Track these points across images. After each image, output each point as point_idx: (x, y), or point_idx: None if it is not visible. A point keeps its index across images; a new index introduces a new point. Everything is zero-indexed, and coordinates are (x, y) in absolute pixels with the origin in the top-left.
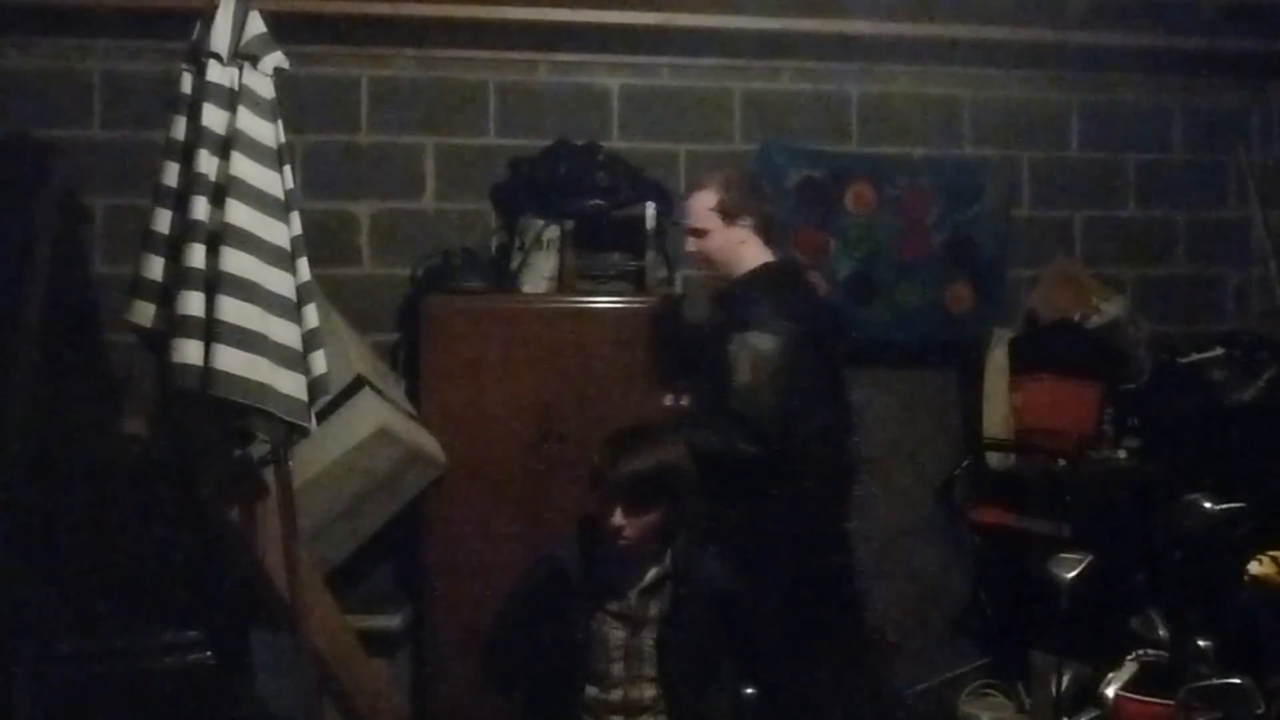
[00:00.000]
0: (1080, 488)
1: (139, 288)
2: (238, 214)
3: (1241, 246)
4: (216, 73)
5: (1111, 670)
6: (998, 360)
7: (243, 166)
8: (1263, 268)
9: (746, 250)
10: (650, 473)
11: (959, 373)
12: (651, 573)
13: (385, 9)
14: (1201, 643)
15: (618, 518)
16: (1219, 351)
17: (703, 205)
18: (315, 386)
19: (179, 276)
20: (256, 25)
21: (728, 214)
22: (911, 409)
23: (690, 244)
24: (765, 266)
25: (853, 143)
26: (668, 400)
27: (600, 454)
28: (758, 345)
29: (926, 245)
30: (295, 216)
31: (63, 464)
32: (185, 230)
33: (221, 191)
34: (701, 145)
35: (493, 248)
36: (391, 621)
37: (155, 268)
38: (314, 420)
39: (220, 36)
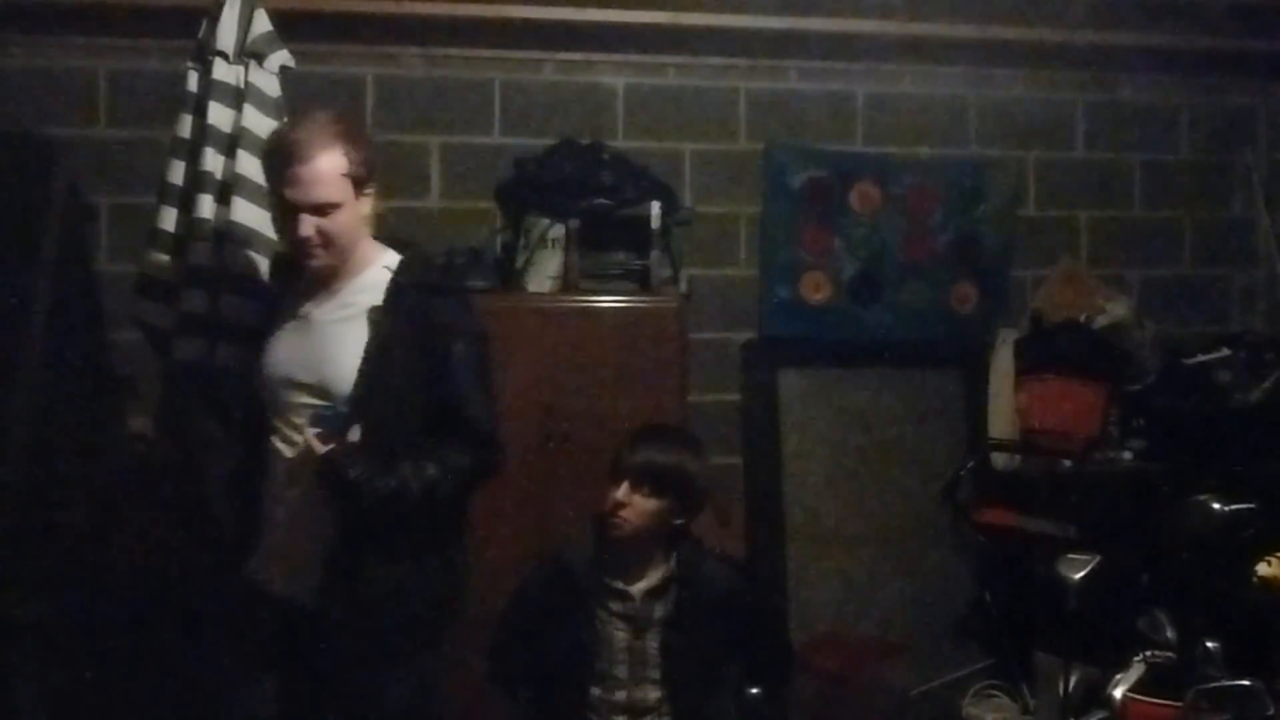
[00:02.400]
0: (1085, 488)
1: (144, 285)
2: (243, 212)
3: (1248, 247)
4: (222, 71)
5: (1118, 672)
6: (1003, 360)
7: (248, 164)
8: (1269, 268)
9: (363, 231)
10: (667, 468)
11: (964, 373)
12: (657, 575)
13: (391, 7)
14: (1209, 644)
15: (622, 493)
16: (1225, 352)
17: (332, 170)
18: None
19: (184, 274)
20: (262, 23)
21: (358, 183)
22: (916, 409)
23: (305, 226)
24: (420, 252)
25: (858, 142)
26: (314, 433)
27: (630, 437)
28: (480, 348)
29: (931, 245)
30: None
31: (66, 462)
32: (191, 228)
33: (227, 189)
34: (707, 145)
35: (497, 247)
36: None
37: (161, 265)
38: None
39: (226, 34)
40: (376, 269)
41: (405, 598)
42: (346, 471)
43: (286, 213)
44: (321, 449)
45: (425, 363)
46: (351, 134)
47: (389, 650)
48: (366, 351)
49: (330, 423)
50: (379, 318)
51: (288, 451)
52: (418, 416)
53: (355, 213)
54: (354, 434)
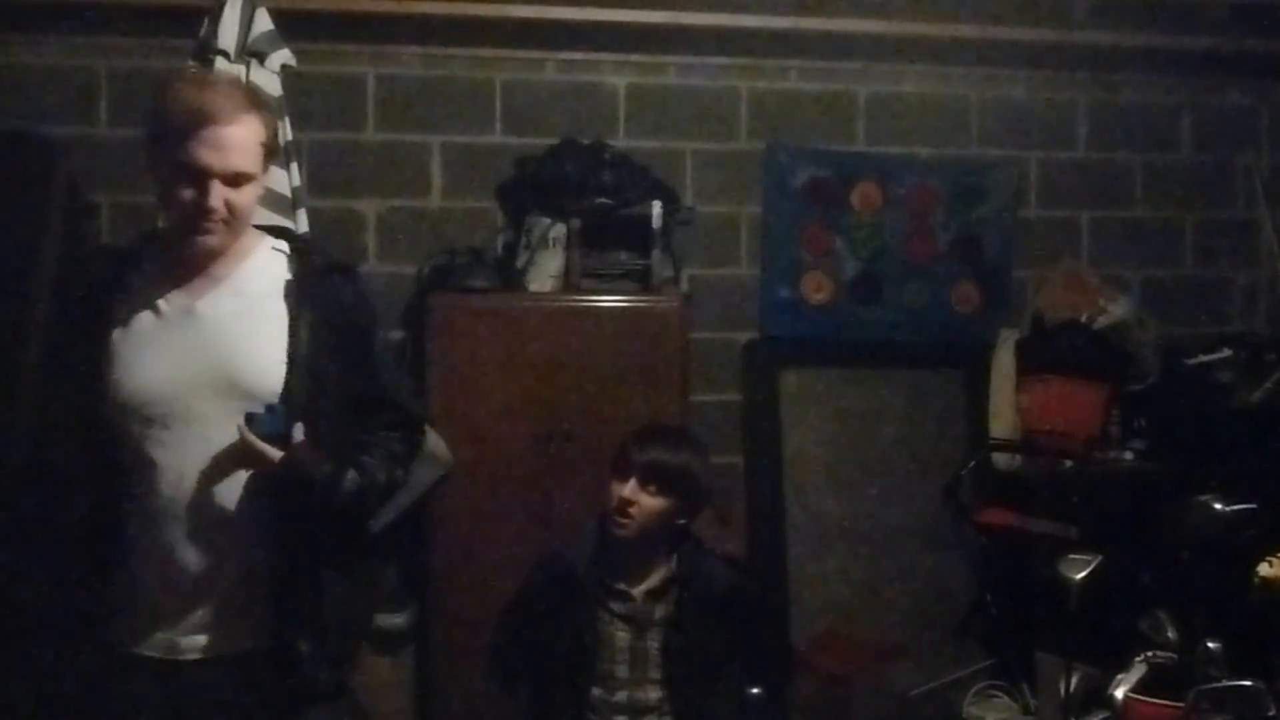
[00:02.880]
0: (1087, 489)
1: None
2: None
3: (1249, 247)
4: (223, 69)
5: (1120, 672)
6: (1004, 361)
7: None
8: (1270, 268)
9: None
10: (675, 466)
11: (965, 373)
12: (658, 575)
13: (392, 7)
14: (1211, 644)
15: (630, 489)
16: (1226, 353)
17: (252, 136)
18: None
19: None
20: (264, 22)
21: (268, 155)
22: (917, 409)
23: (216, 196)
24: (301, 234)
25: (859, 142)
26: (244, 433)
27: (634, 436)
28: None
29: (933, 245)
30: (302, 214)
31: (66, 462)
32: None
33: None
34: (708, 144)
35: (499, 246)
36: (396, 620)
37: None
38: None
39: (227, 33)
40: (264, 252)
41: (361, 615)
42: (318, 472)
43: (188, 180)
44: (274, 452)
45: (347, 349)
46: (264, 100)
47: (337, 681)
48: (292, 341)
49: (269, 424)
50: (294, 304)
51: (195, 471)
52: (348, 407)
53: (259, 189)
54: (298, 433)
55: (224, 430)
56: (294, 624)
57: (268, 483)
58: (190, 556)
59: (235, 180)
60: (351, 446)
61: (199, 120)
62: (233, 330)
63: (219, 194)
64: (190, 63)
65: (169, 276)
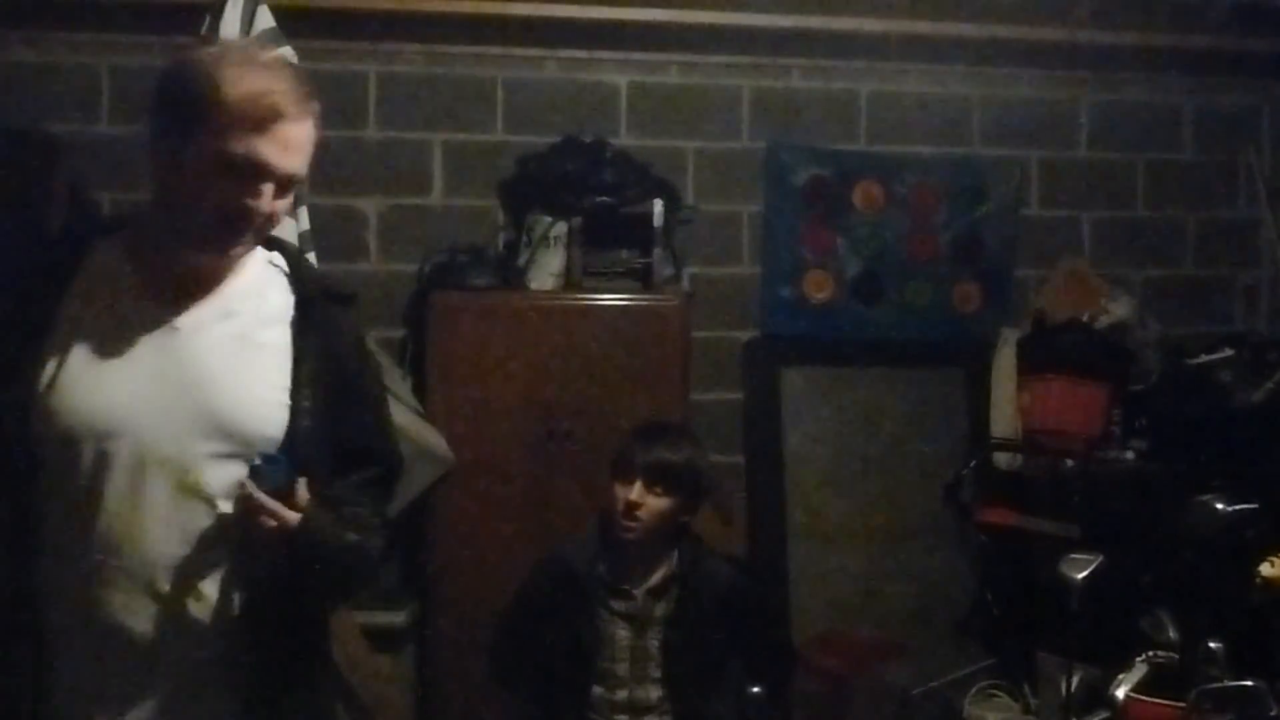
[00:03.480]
0: (1088, 488)
1: None
2: None
3: (1251, 247)
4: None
5: (1121, 672)
6: (1005, 360)
7: None
8: (1272, 268)
9: None
10: (679, 466)
11: (966, 373)
12: (659, 574)
13: (393, 4)
14: (1212, 644)
15: (636, 493)
16: (1228, 352)
17: (312, 136)
18: None
19: None
20: (265, 20)
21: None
22: (918, 408)
23: (266, 199)
24: (287, 251)
25: (861, 141)
26: (252, 488)
27: (634, 436)
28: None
29: (934, 245)
30: (303, 212)
31: None
32: None
33: None
34: (710, 143)
35: (500, 244)
36: (397, 618)
37: None
38: None
39: (229, 30)
40: (259, 266)
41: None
42: (339, 538)
43: (237, 178)
44: (291, 515)
45: (343, 390)
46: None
47: None
48: (295, 380)
49: (272, 478)
50: (297, 335)
51: (159, 523)
52: (338, 455)
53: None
54: (302, 489)
55: (200, 475)
56: (289, 695)
57: (268, 546)
58: (146, 626)
59: (287, 184)
60: (352, 503)
61: (269, 113)
62: (224, 359)
63: (269, 197)
64: (234, 44)
65: (141, 281)
